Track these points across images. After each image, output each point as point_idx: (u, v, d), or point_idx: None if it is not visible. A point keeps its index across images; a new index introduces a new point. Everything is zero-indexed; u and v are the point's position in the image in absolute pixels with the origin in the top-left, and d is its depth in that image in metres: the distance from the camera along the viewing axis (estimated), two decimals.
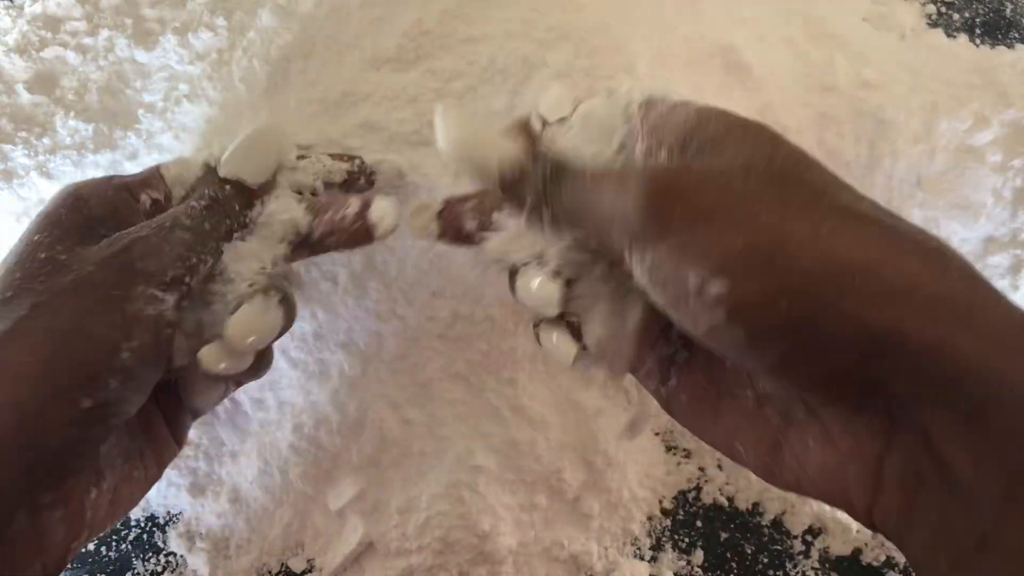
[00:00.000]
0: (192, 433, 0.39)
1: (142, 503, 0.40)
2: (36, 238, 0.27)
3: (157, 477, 0.31)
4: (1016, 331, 0.19)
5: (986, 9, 0.45)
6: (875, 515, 0.21)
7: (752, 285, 0.20)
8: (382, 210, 0.32)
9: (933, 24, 0.47)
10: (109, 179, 0.31)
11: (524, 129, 0.31)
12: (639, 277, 0.23)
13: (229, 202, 0.31)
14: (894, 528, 0.21)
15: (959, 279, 0.20)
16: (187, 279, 0.28)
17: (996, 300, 0.20)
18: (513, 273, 0.28)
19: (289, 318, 0.31)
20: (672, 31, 0.39)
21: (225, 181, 0.31)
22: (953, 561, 0.19)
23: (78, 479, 0.27)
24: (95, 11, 0.40)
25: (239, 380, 0.32)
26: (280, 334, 0.31)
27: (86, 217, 0.28)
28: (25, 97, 0.39)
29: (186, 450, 0.40)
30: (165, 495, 0.41)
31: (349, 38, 0.37)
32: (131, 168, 0.38)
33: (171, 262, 0.27)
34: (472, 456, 0.39)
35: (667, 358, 0.27)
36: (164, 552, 0.41)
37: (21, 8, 0.41)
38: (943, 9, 0.45)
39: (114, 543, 0.41)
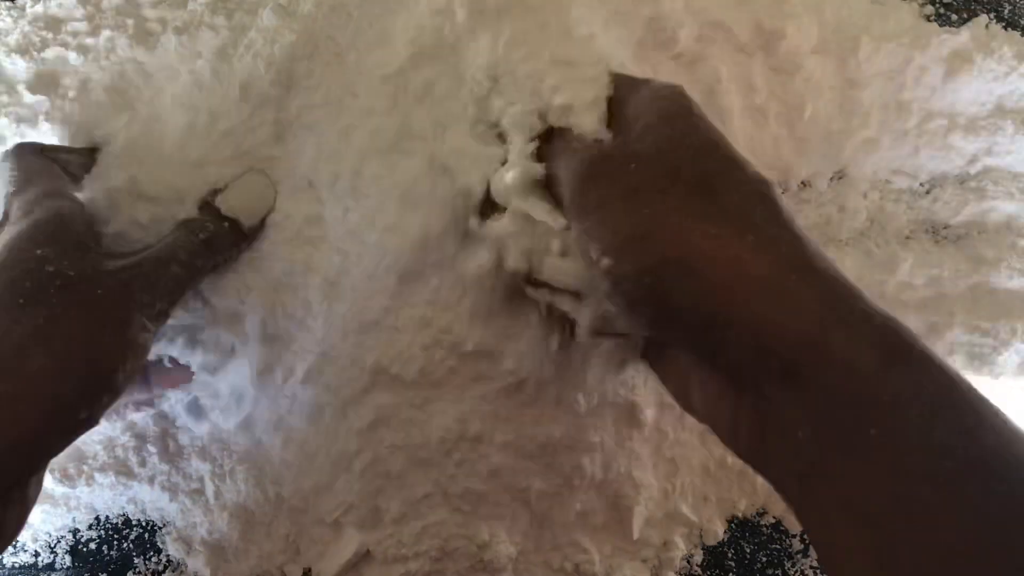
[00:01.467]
0: (185, 444, 0.39)
1: (133, 512, 0.41)
2: (40, 252, 0.28)
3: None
4: (826, 301, 0.23)
5: (984, 9, 0.45)
6: (740, 449, 0.26)
7: (626, 264, 0.25)
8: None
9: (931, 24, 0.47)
10: (76, 200, 0.32)
11: None
12: (574, 239, 0.28)
13: (225, 239, 0.34)
14: (753, 461, 0.26)
15: (785, 264, 0.24)
16: (170, 311, 0.31)
17: (815, 276, 0.24)
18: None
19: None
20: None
21: (224, 218, 0.34)
22: (798, 487, 0.24)
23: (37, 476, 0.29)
24: (96, 11, 0.40)
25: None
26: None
27: (76, 236, 0.30)
28: (27, 97, 0.39)
29: (181, 464, 0.40)
30: (160, 507, 0.41)
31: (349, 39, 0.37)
32: None
33: (162, 296, 0.30)
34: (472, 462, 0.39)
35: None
36: (164, 552, 0.41)
37: (23, 9, 0.41)
38: (941, 10, 0.45)
39: (115, 543, 0.41)
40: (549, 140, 0.31)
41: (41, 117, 0.38)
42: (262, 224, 0.35)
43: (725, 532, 0.42)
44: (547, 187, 0.31)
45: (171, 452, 0.40)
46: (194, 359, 0.36)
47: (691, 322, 0.25)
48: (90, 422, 0.28)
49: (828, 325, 0.23)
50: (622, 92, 0.30)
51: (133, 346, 0.29)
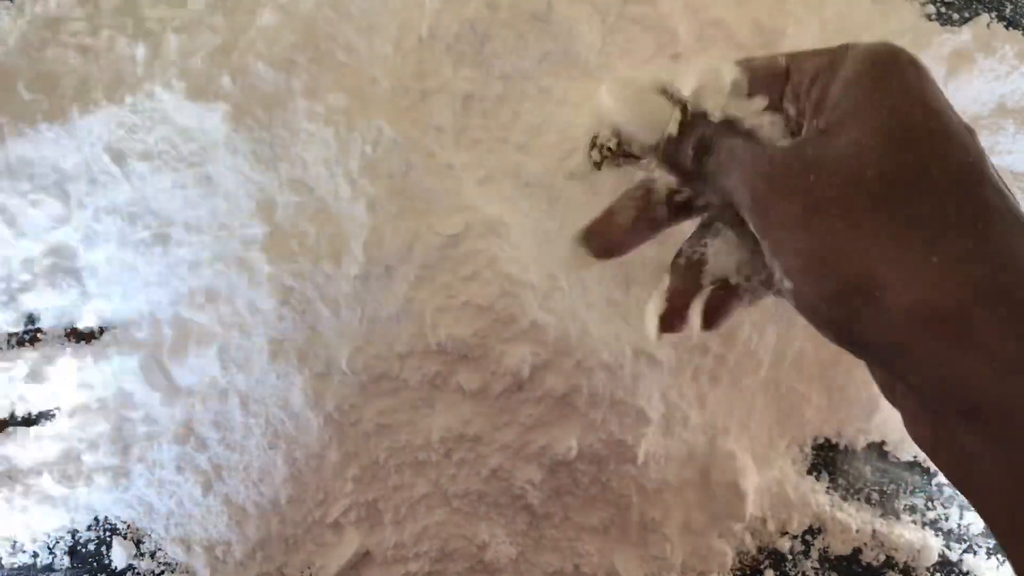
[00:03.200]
0: (186, 446, 0.39)
1: (131, 514, 0.40)
2: None
3: None
4: (1011, 343, 0.21)
5: (986, 8, 0.45)
6: (941, 467, 0.25)
7: (806, 290, 0.24)
8: None
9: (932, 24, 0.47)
10: None
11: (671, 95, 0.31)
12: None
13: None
14: (956, 485, 0.25)
15: (972, 291, 0.22)
16: None
17: (1005, 306, 0.22)
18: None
19: None
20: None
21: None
22: (1010, 522, 0.22)
23: None
24: (95, 11, 0.40)
25: None
26: None
27: None
28: (26, 96, 0.39)
29: (176, 474, 0.40)
30: (160, 508, 0.41)
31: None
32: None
33: None
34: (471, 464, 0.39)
35: None
36: (164, 553, 0.41)
37: (21, 8, 0.41)
38: (943, 9, 0.45)
39: (114, 543, 0.41)
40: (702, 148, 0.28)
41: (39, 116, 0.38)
42: None
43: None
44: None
45: (171, 452, 0.40)
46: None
47: (875, 350, 0.24)
48: None
49: (1009, 377, 0.21)
50: (803, 73, 0.27)
51: None
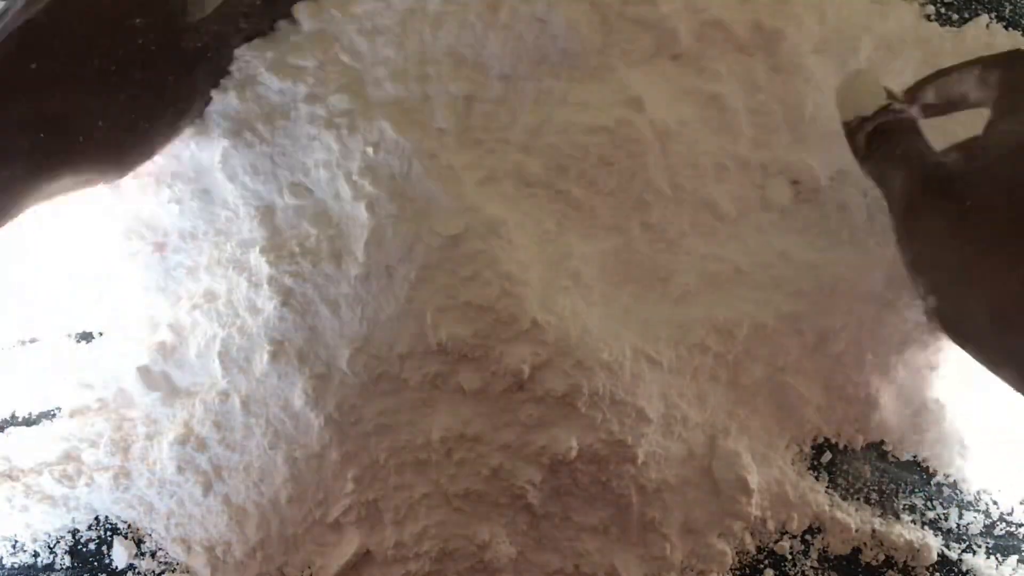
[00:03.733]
0: (187, 444, 0.39)
1: (132, 514, 0.40)
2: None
3: None
4: None
5: (985, 9, 0.45)
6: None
7: (947, 308, 0.24)
8: None
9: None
10: None
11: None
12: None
13: None
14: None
15: None
16: None
17: None
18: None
19: None
20: None
21: None
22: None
23: None
24: None
25: None
26: None
27: None
28: None
29: (176, 474, 0.40)
30: (160, 508, 0.41)
31: None
32: None
33: None
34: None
35: None
36: (164, 553, 0.41)
37: None
38: (942, 9, 0.45)
39: (115, 543, 0.41)
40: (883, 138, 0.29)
41: None
42: None
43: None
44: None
45: (171, 452, 0.40)
46: None
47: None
48: None
49: None
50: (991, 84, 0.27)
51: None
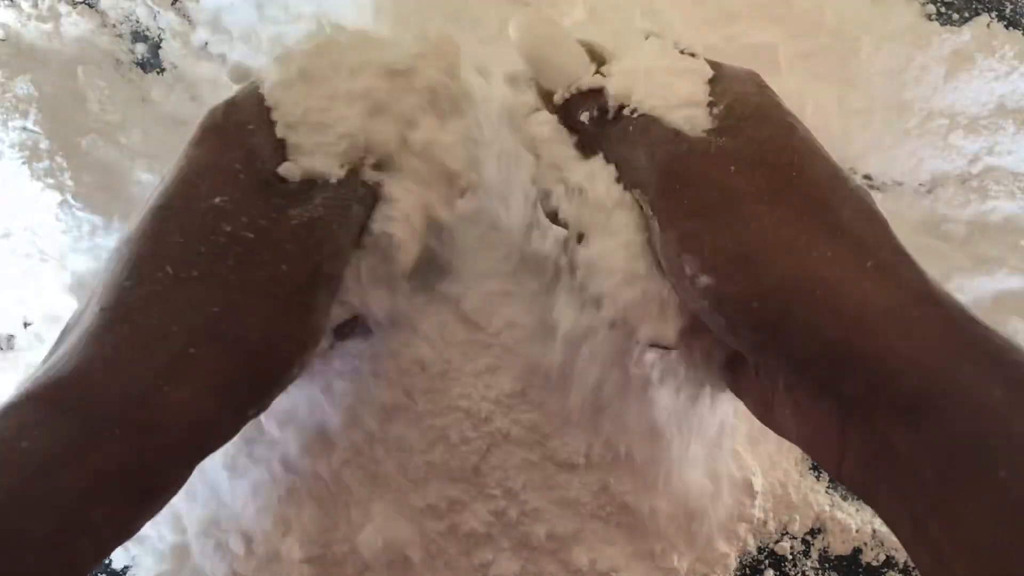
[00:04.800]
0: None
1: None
2: (217, 202, 0.24)
3: None
4: (952, 335, 0.22)
5: (986, 8, 0.45)
6: (843, 477, 0.24)
7: (732, 285, 0.23)
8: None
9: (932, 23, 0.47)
10: (248, 99, 0.27)
11: (592, 52, 0.30)
12: (653, 241, 0.25)
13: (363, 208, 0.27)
14: (860, 492, 0.24)
15: (909, 294, 0.22)
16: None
17: (940, 308, 0.22)
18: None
19: None
20: None
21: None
22: (912, 526, 0.22)
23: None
24: None
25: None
26: None
27: (258, 169, 0.26)
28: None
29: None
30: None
31: None
32: None
33: (346, 259, 0.26)
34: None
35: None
36: (165, 553, 0.41)
37: None
38: (943, 8, 0.45)
39: None
40: (599, 116, 0.27)
41: None
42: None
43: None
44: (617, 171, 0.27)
45: None
46: None
47: (804, 351, 0.22)
48: (258, 414, 0.25)
49: (955, 361, 0.21)
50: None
51: (315, 332, 0.25)
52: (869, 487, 0.23)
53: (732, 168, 0.23)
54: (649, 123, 0.26)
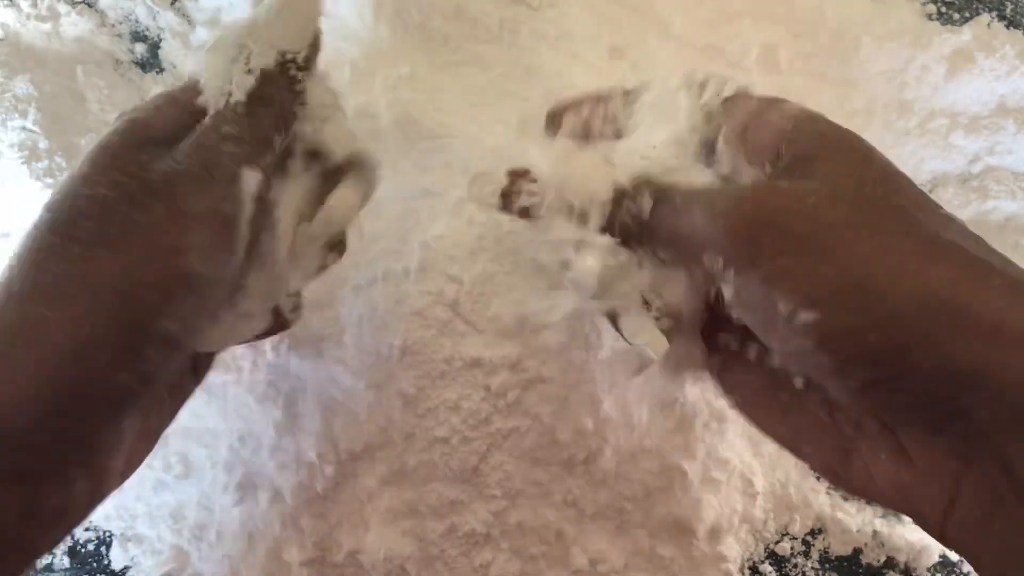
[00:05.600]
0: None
1: (132, 514, 0.40)
2: (100, 192, 0.24)
3: (170, 422, 0.29)
4: None
5: (986, 8, 0.45)
6: (948, 530, 0.22)
7: (842, 318, 0.21)
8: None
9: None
10: (163, 98, 0.27)
11: (585, 128, 0.30)
12: (728, 298, 0.23)
13: (276, 93, 0.26)
14: (969, 544, 0.22)
15: None
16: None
17: None
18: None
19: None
20: None
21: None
22: None
23: (103, 450, 0.25)
24: None
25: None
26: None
27: (146, 143, 0.25)
28: None
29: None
30: (160, 507, 0.41)
31: None
32: None
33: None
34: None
35: (728, 348, 0.27)
36: (164, 553, 0.41)
37: None
38: (943, 8, 0.45)
39: (114, 544, 0.41)
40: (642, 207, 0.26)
41: None
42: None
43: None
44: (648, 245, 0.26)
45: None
46: None
47: (929, 380, 0.20)
48: (141, 384, 0.23)
49: None
50: (744, 116, 0.26)
51: (182, 279, 0.23)
52: (982, 537, 0.21)
53: (811, 200, 0.22)
54: (689, 191, 0.25)
